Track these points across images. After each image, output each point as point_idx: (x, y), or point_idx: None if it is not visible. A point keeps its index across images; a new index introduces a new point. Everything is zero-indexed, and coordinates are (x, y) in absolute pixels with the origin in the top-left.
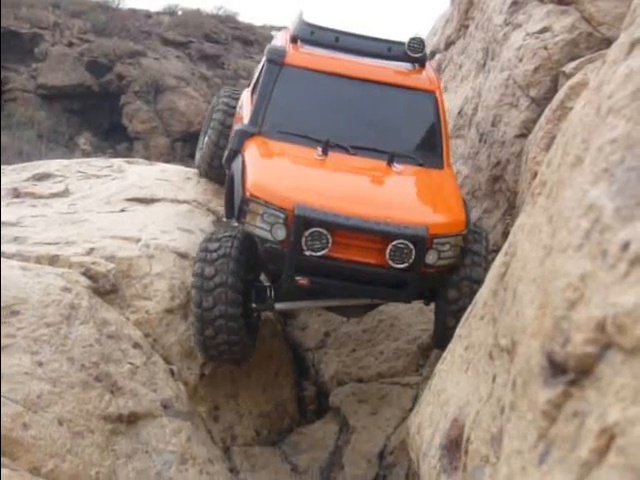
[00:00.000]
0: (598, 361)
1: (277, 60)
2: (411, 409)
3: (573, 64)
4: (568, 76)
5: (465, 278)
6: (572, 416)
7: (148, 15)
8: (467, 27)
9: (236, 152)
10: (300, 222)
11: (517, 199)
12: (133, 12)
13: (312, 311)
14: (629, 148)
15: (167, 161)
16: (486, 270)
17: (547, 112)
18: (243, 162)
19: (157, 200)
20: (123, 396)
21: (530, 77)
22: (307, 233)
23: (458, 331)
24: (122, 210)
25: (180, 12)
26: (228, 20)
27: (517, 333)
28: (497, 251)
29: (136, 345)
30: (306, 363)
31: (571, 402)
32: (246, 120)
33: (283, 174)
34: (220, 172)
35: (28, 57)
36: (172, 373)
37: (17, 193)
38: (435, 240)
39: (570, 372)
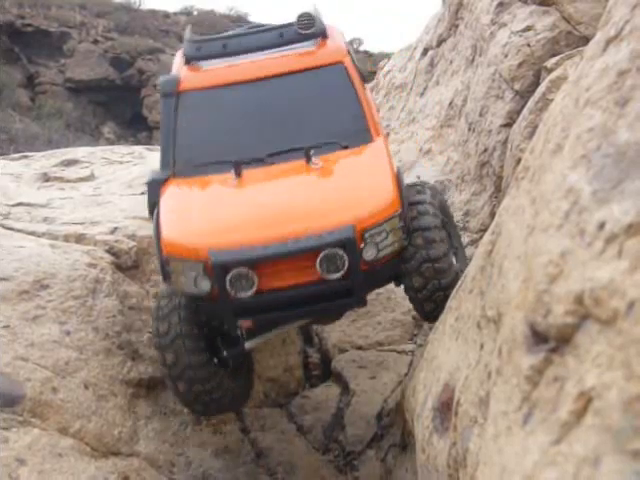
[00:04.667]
0: (576, 331)
1: (171, 91)
2: (406, 374)
3: (554, 60)
4: (549, 71)
5: (425, 260)
6: (553, 381)
7: (166, 15)
8: (457, 26)
9: (154, 204)
10: (218, 269)
11: (503, 183)
12: (153, 13)
13: None
14: (605, 136)
15: None
16: (435, 216)
17: (530, 104)
18: (157, 217)
19: None
20: (143, 362)
21: (515, 72)
22: (229, 277)
23: (449, 303)
24: (142, 193)
25: (195, 12)
26: (239, 20)
27: (503, 305)
28: (485, 230)
29: None
30: (311, 332)
31: (552, 368)
32: (158, 165)
33: (195, 219)
34: None
35: (57, 53)
36: None
37: (47, 177)
38: (367, 234)
39: (551, 341)
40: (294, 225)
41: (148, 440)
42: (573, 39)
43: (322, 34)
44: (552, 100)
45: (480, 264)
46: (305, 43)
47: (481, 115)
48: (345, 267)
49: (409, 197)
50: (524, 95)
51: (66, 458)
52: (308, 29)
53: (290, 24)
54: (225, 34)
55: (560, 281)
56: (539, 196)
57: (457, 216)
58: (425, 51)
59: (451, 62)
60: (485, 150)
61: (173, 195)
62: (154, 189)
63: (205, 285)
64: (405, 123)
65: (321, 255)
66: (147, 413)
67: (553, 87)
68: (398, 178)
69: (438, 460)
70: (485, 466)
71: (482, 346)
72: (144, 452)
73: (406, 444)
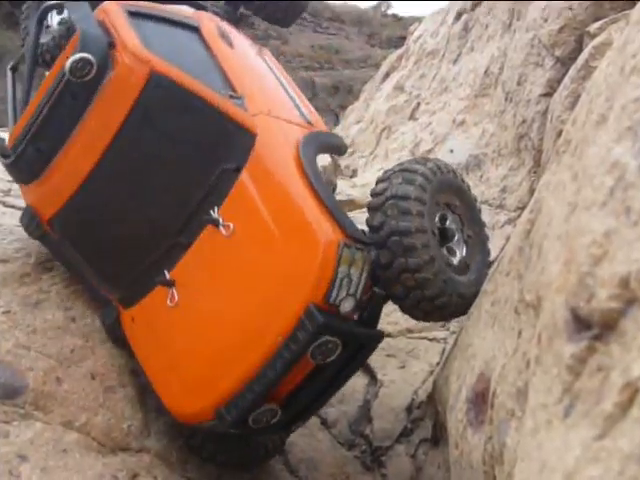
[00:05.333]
0: (622, 316)
1: (34, 229)
2: (438, 363)
3: (597, 24)
4: (592, 36)
5: (404, 270)
6: (596, 370)
7: None
8: None
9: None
10: (236, 424)
11: (542, 157)
12: None
13: None
14: None
15: None
16: (419, 216)
17: (572, 71)
18: (144, 374)
19: None
20: None
21: (555, 37)
22: (250, 420)
23: (484, 287)
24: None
25: None
26: None
27: (542, 289)
28: (523, 208)
29: None
30: None
31: (595, 357)
32: None
33: (181, 371)
34: None
35: None
36: None
37: None
38: (329, 297)
39: (594, 327)
40: (262, 341)
41: (160, 435)
42: (618, 2)
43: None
44: (595, 68)
45: (518, 244)
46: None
47: (519, 84)
48: (338, 343)
49: (391, 187)
50: (565, 62)
51: (71, 454)
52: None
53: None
54: None
55: (604, 263)
56: (581, 171)
57: (493, 193)
58: (458, 15)
59: (486, 27)
60: (523, 122)
61: (140, 347)
62: (117, 336)
63: (235, 431)
64: (437, 93)
65: (309, 352)
66: (158, 405)
67: (597, 54)
68: (318, 188)
69: (472, 456)
70: (523, 462)
71: (520, 333)
72: (155, 448)
73: (438, 439)
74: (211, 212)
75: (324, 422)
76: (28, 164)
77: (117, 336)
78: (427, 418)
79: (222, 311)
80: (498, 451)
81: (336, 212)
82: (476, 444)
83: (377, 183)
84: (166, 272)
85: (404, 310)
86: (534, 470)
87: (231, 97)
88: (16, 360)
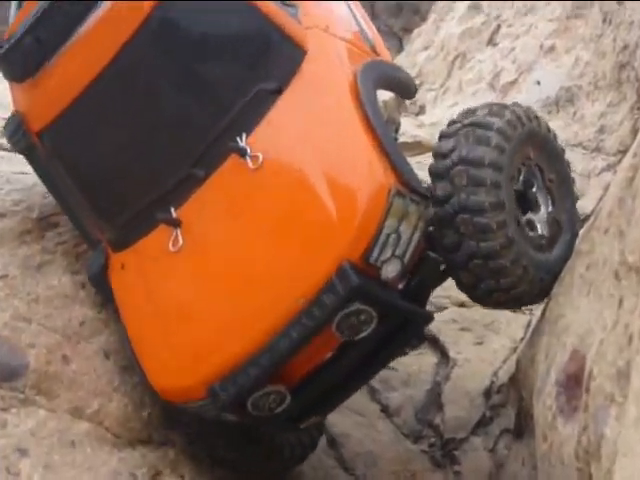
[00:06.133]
0: None
1: (20, 139)
2: (522, 339)
3: None
4: None
5: (474, 256)
6: None
7: None
8: None
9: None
10: (232, 406)
11: None
12: None
13: None
14: None
15: None
16: (494, 187)
17: None
18: (128, 341)
19: None
20: None
21: None
22: (250, 405)
23: (578, 246)
24: None
25: None
26: None
27: None
28: (624, 152)
29: None
30: None
31: None
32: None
33: (172, 342)
34: None
35: None
36: None
37: None
38: (371, 257)
39: None
40: (281, 302)
41: None
42: None
43: None
44: None
45: (618, 195)
46: None
47: (619, 3)
48: (373, 315)
49: (460, 148)
50: None
51: (80, 448)
52: None
53: None
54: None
55: None
56: None
57: (589, 134)
58: None
59: None
60: (625, 47)
61: (126, 302)
62: (102, 287)
63: (231, 417)
64: (521, 13)
65: (334, 323)
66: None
67: None
68: (375, 122)
69: (564, 450)
70: (625, 457)
71: (621, 302)
72: (181, 441)
73: (522, 429)
74: (237, 140)
75: (385, 409)
76: (24, 56)
77: (102, 288)
78: (509, 405)
79: (235, 262)
80: (595, 444)
81: (393, 153)
82: (568, 436)
83: (441, 137)
84: (172, 210)
85: (471, 298)
86: (638, 467)
87: (282, 3)
88: (15, 335)
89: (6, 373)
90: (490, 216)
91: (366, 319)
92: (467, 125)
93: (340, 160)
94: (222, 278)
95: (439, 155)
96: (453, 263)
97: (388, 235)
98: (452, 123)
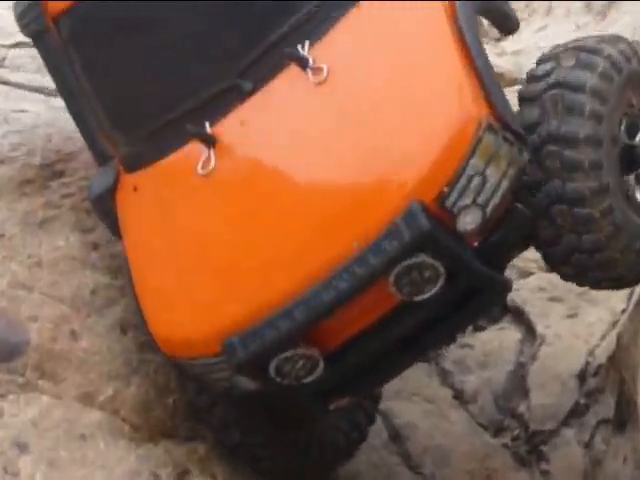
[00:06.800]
0: None
1: (31, 21)
2: (624, 310)
3: None
4: None
5: (575, 250)
6: None
7: None
8: None
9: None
10: (251, 366)
11: None
12: None
13: None
14: None
15: None
16: (594, 168)
17: None
18: (131, 282)
19: None
20: None
21: None
22: (273, 368)
23: None
24: None
25: None
26: None
27: None
28: None
29: None
30: None
31: None
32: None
33: (186, 280)
34: None
35: None
36: None
37: None
38: (447, 200)
39: None
40: (329, 243)
41: None
42: None
43: None
44: None
45: None
46: None
47: None
48: (440, 273)
49: (558, 70)
50: None
51: (92, 441)
52: None
53: None
54: None
55: None
56: None
57: None
58: None
59: None
60: None
61: (134, 233)
62: (106, 212)
63: (247, 383)
64: None
65: (392, 276)
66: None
67: None
68: (471, 42)
69: None
70: None
71: None
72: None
73: (624, 420)
74: (298, 48)
75: (458, 395)
76: None
77: (105, 214)
78: (607, 390)
79: (278, 192)
80: None
81: (489, 80)
82: None
83: (538, 63)
84: (207, 125)
85: (549, 263)
86: None
87: None
88: (13, 306)
89: (3, 352)
90: (582, 150)
91: (431, 277)
92: (570, 48)
93: (424, 81)
94: (260, 211)
95: (532, 78)
96: (553, 255)
97: (471, 177)
98: (554, 48)
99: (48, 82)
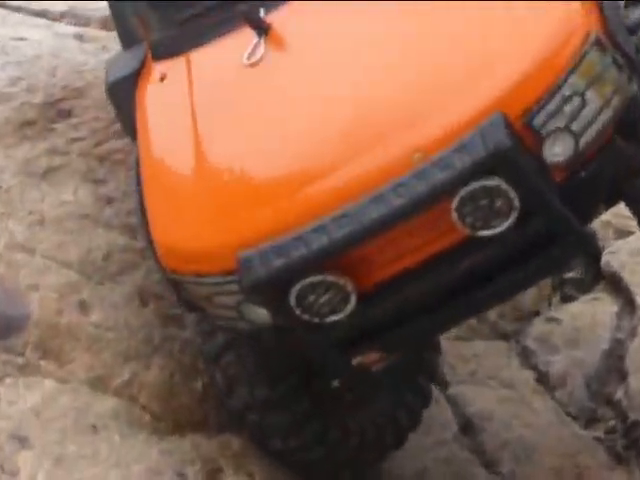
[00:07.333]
0: None
1: None
2: None
3: None
4: None
5: None
6: None
7: None
8: None
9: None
10: (269, 287)
11: None
12: None
13: None
14: None
15: None
16: None
17: None
18: (139, 185)
19: None
20: None
21: None
22: (295, 295)
23: None
24: None
25: None
26: None
27: None
28: None
29: None
30: None
31: None
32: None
33: (204, 183)
34: None
35: None
36: None
37: None
38: (536, 118)
39: None
40: (385, 149)
41: None
42: None
43: None
44: None
45: None
46: None
47: None
48: (514, 205)
49: None
50: None
51: (105, 433)
52: None
53: None
54: None
55: None
56: None
57: None
58: None
59: None
60: None
61: (153, 125)
62: (124, 102)
63: (259, 315)
64: None
65: (457, 199)
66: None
67: None
68: None
69: None
70: None
71: None
72: None
73: None
74: None
75: (542, 379)
76: None
77: (123, 102)
78: None
79: (331, 87)
80: None
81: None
82: None
83: None
84: (261, 11)
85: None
86: None
87: None
88: (10, 272)
89: (0, 327)
90: None
91: (502, 208)
92: None
93: None
94: (309, 107)
95: None
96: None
97: (568, 98)
98: None
99: (51, 4)
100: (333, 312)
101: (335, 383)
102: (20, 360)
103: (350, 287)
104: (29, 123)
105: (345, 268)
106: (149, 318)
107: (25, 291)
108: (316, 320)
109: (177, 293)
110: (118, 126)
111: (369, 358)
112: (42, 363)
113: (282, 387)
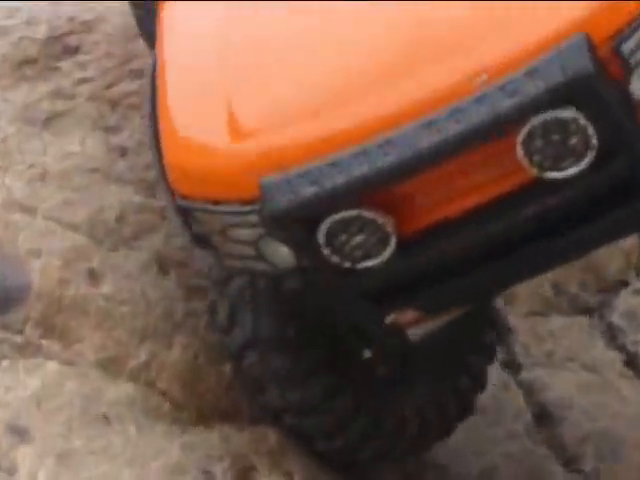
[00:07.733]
0: None
1: None
2: None
3: None
4: None
5: None
6: None
7: None
8: None
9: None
10: (293, 221)
11: None
12: None
13: None
14: None
15: None
16: None
17: None
18: (153, 102)
19: None
20: None
21: None
22: (324, 232)
23: None
24: None
25: None
26: None
27: None
28: None
29: None
30: None
31: None
32: None
33: (224, 104)
34: None
35: None
36: None
37: None
38: (624, 44)
39: None
40: (442, 71)
41: None
42: None
43: None
44: None
45: None
46: None
47: None
48: (592, 144)
49: None
50: None
51: (117, 425)
52: None
53: None
54: None
55: None
56: None
57: None
58: None
59: None
60: None
61: (181, 26)
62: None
63: (280, 255)
64: None
65: (524, 131)
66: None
67: None
68: None
69: None
70: None
71: None
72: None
73: None
74: None
75: (631, 360)
76: None
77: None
78: None
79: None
80: None
81: None
82: None
83: None
84: None
85: None
86: None
87: None
88: (8, 235)
89: None
90: None
91: (577, 147)
92: None
93: None
94: (360, 19)
95: None
96: None
97: None
98: None
99: None
100: (368, 256)
101: (367, 354)
102: (19, 339)
103: (390, 227)
104: (29, 61)
105: (385, 207)
106: (169, 289)
107: (25, 258)
108: (347, 264)
109: (187, 225)
110: (132, 65)
111: (405, 317)
112: (44, 342)
113: (317, 386)
